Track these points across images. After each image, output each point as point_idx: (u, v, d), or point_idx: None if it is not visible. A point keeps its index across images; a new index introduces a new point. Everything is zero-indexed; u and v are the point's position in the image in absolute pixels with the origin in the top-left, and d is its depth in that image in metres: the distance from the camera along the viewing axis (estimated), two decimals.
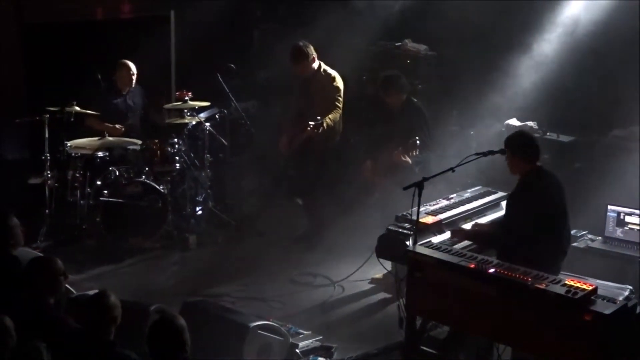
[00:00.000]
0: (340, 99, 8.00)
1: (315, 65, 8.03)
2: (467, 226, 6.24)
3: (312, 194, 8.34)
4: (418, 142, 7.14)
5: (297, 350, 5.97)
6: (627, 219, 7.13)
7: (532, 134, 6.20)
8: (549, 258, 5.68)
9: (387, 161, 7.50)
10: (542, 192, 5.80)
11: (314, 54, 8.01)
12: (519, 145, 5.91)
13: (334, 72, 8.06)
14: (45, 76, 8.92)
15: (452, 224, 6.31)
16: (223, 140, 8.92)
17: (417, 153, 7.20)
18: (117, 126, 8.47)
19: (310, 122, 7.73)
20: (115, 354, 4.61)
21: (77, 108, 8.02)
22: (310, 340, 6.16)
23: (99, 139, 8.09)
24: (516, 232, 5.72)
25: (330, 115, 7.85)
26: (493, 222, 6.31)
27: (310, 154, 8.10)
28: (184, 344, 4.46)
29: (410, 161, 7.30)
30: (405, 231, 6.16)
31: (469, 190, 6.95)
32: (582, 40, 8.26)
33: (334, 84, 7.99)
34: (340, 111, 8.00)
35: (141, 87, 8.73)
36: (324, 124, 7.79)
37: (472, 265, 5.33)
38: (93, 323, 4.63)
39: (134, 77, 8.57)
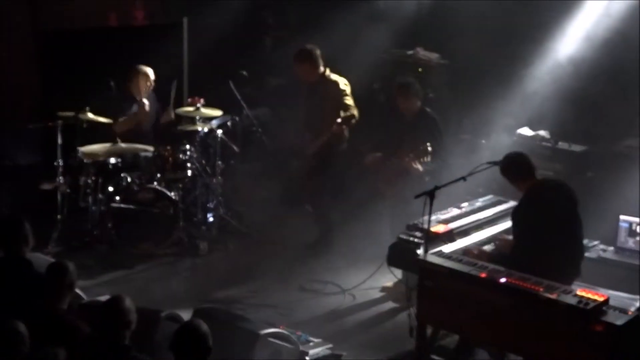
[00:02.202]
0: (350, 99, 8.01)
1: (321, 71, 8.07)
2: (487, 248, 6.22)
3: (320, 201, 8.34)
4: (430, 148, 7.13)
5: (307, 358, 5.96)
6: (639, 229, 7.11)
7: (520, 152, 6.21)
8: (558, 271, 5.65)
9: (398, 168, 7.49)
10: (542, 205, 5.81)
11: (320, 61, 8.05)
12: (511, 169, 5.97)
13: (337, 77, 8.10)
14: (59, 82, 8.97)
15: (463, 233, 6.31)
16: (234, 147, 8.94)
17: (428, 159, 7.19)
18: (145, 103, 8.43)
19: (338, 119, 7.76)
20: (130, 358, 4.61)
21: (90, 114, 8.05)
22: (321, 348, 6.15)
23: (111, 145, 8.11)
24: (522, 247, 5.72)
25: (352, 112, 7.88)
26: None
27: (318, 160, 8.10)
28: (209, 351, 4.47)
29: (421, 168, 7.29)
30: (416, 240, 6.17)
31: (480, 200, 6.95)
32: (596, 48, 8.24)
33: (340, 87, 8.03)
34: (354, 110, 8.00)
35: (154, 93, 8.74)
36: (352, 119, 7.83)
37: (483, 275, 5.33)
38: (108, 327, 4.63)
39: (151, 84, 8.57)
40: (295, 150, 8.36)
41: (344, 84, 8.08)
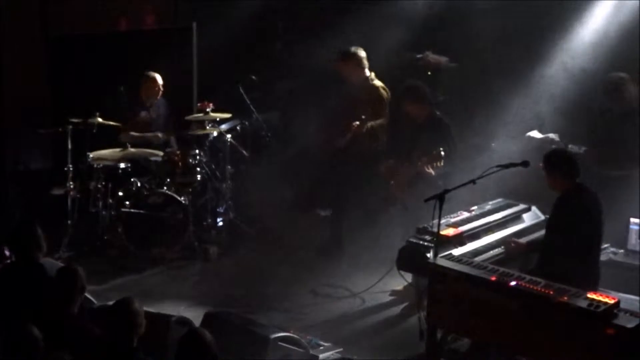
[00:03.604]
0: (384, 109, 8.01)
1: (365, 74, 8.08)
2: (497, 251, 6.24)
3: (341, 204, 8.31)
4: (442, 152, 7.11)
5: None
6: None
7: (571, 152, 6.24)
8: (583, 276, 5.64)
9: (410, 172, 7.47)
10: (581, 210, 5.81)
11: (364, 63, 8.06)
12: (556, 162, 5.95)
13: (379, 83, 8.10)
14: (69, 88, 9.00)
15: (473, 237, 6.30)
16: (244, 152, 8.95)
17: (442, 164, 7.17)
18: (159, 134, 8.54)
19: (356, 122, 7.76)
20: None
21: (100, 119, 8.09)
22: (331, 352, 6.16)
23: (121, 150, 8.14)
24: (555, 251, 5.72)
25: (376, 120, 7.88)
26: (530, 243, 6.30)
27: (349, 161, 8.06)
28: (215, 358, 4.47)
29: (433, 172, 7.26)
30: (426, 243, 6.16)
31: (489, 203, 6.93)
32: (607, 50, 8.21)
33: (378, 93, 8.03)
34: (384, 120, 8.00)
35: (165, 99, 8.77)
36: (368, 125, 7.82)
37: (493, 278, 5.32)
38: (116, 329, 4.64)
39: (160, 90, 8.60)
40: (323, 149, 8.34)
41: (383, 91, 8.08)
